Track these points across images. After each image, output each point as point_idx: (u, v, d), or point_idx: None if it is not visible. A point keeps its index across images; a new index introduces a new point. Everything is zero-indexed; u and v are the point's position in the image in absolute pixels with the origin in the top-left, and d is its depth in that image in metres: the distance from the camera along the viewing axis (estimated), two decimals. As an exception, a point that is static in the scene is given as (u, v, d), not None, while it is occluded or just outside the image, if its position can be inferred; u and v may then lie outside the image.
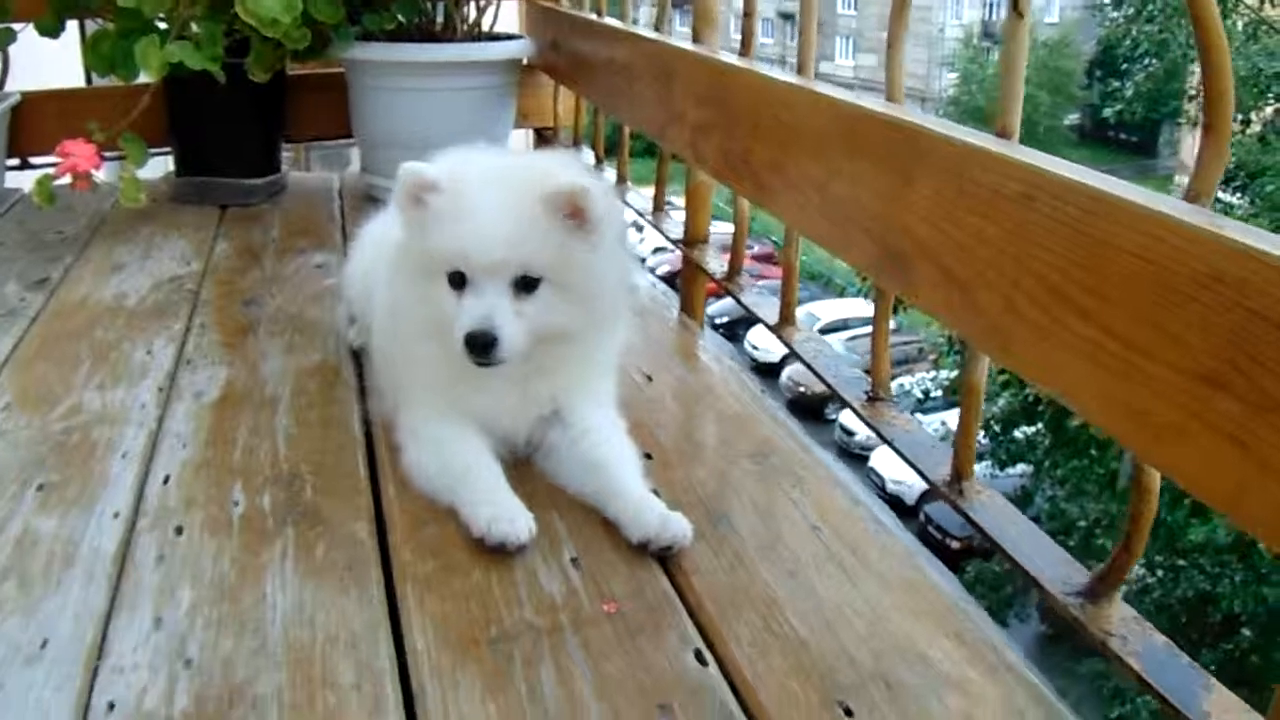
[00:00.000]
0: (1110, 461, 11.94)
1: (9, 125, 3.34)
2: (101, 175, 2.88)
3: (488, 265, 1.59)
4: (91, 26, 3.22)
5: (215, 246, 2.91)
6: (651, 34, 2.59)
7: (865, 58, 32.37)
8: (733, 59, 2.17)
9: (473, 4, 3.24)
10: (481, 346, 1.59)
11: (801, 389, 15.79)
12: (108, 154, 2.88)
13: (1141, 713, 10.90)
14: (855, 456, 15.72)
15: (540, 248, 1.60)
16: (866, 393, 1.90)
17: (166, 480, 1.73)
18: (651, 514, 1.58)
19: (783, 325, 2.16)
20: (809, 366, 2.01)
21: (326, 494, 1.69)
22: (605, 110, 3.06)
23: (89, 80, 3.90)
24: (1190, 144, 23.70)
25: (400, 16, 3.16)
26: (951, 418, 12.29)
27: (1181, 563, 11.78)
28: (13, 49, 3.32)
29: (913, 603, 1.50)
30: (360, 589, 1.47)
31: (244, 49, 2.96)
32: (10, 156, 3.42)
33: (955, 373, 14.33)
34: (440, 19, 3.23)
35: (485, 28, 3.30)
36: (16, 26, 3.14)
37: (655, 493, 1.69)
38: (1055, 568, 1.48)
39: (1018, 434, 13.82)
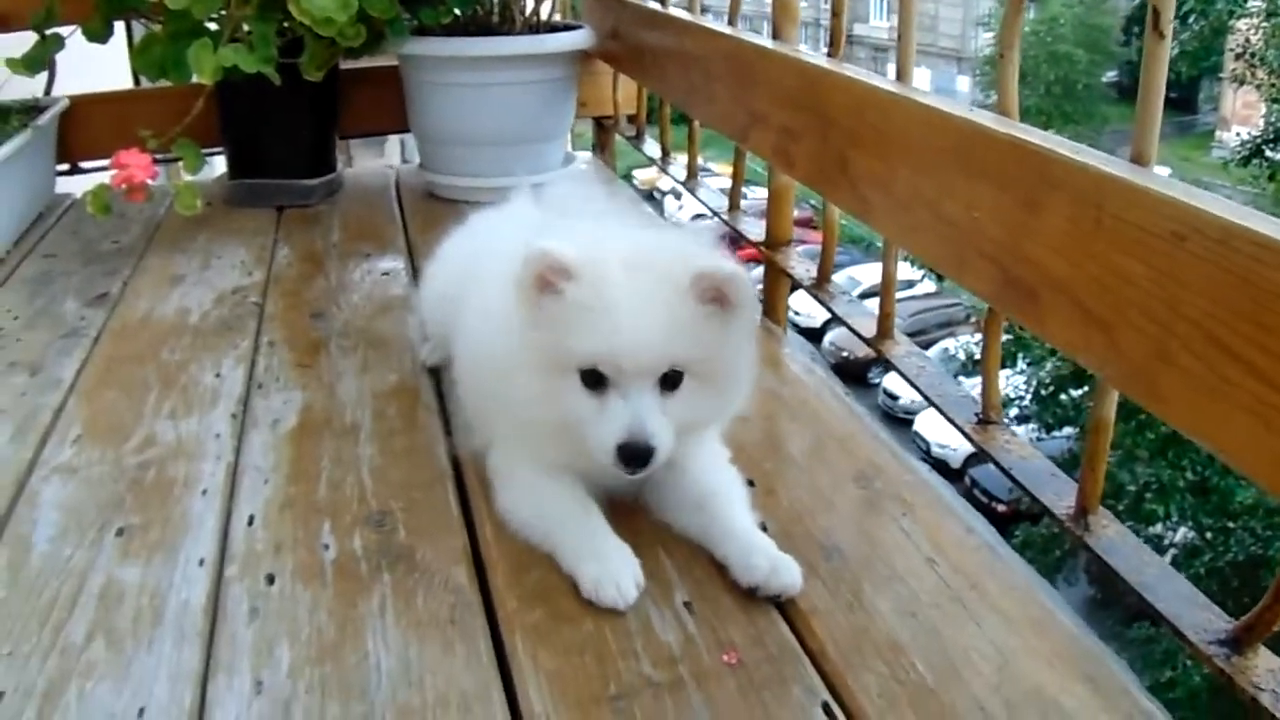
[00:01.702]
0: (1160, 426, 11.80)
1: (58, 130, 3.26)
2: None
3: (638, 368, 1.45)
4: (138, 29, 3.15)
5: (276, 253, 2.84)
6: (727, 29, 2.48)
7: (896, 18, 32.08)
8: (823, 61, 2.06)
9: (530, -6, 3.15)
10: (638, 458, 1.45)
11: (845, 354, 15.66)
12: (159, 156, 2.80)
13: (1194, 676, 10.79)
14: (899, 421, 15.66)
15: (690, 341, 1.46)
16: (977, 415, 1.81)
17: (251, 521, 1.65)
18: (761, 558, 1.49)
19: (881, 339, 2.06)
20: (913, 384, 1.92)
21: (420, 535, 1.61)
22: (676, 105, 2.94)
23: (136, 82, 3.82)
24: (1230, 99, 23.39)
25: (456, 10, 3.06)
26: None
27: (1232, 525, 11.67)
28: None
29: (1040, 644, 1.41)
30: (467, 643, 1.39)
31: (296, 48, 2.87)
32: (60, 162, 3.35)
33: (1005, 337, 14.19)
34: (497, 11, 3.13)
35: (543, 17, 3.21)
36: (64, 31, 3.04)
37: (763, 526, 1.62)
38: (1194, 613, 1.38)
39: (1064, 398, 13.71)
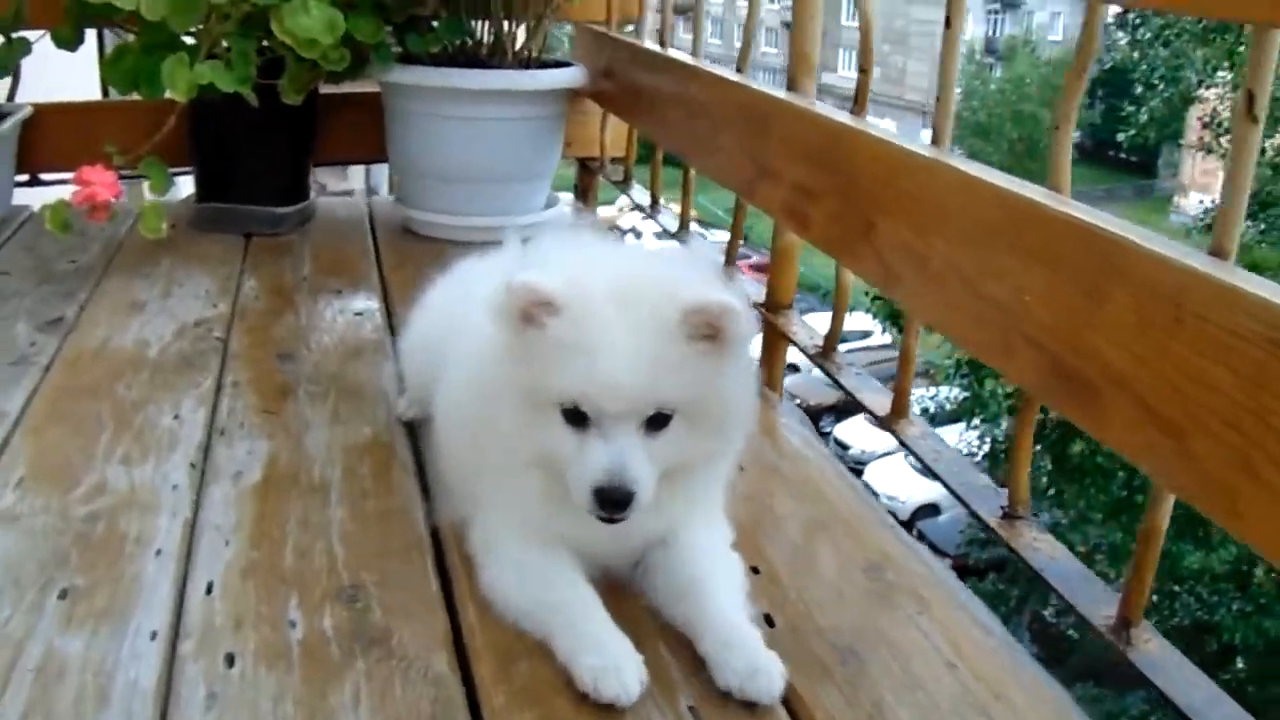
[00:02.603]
0: (1116, 490, 11.82)
1: (19, 139, 3.09)
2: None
3: (620, 409, 1.33)
4: (108, 39, 3.00)
5: (242, 284, 2.68)
6: (737, 77, 2.35)
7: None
8: (847, 118, 1.94)
9: (522, 28, 3.01)
10: (616, 503, 1.34)
11: (797, 400, 15.59)
12: (124, 173, 2.65)
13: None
14: (850, 470, 15.54)
15: (679, 380, 1.35)
16: (1003, 508, 1.68)
17: (210, 589, 1.50)
18: (739, 658, 1.35)
19: (895, 419, 1.93)
20: (929, 470, 1.79)
21: (397, 614, 1.46)
22: (673, 152, 2.80)
23: (105, 93, 3.66)
24: (1190, 166, 23.64)
25: (445, 38, 2.93)
26: (948, 433, 12.16)
27: (1178, 589, 11.69)
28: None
29: (1075, 765, 1.28)
30: (450, 749, 1.24)
31: (275, 69, 2.73)
32: (19, 172, 3.17)
33: (956, 391, 14.23)
34: (488, 42, 3.00)
35: (534, 53, 3.08)
36: (31, 36, 2.88)
37: (769, 620, 1.49)
38: None
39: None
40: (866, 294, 11.00)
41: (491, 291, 1.39)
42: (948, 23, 1.74)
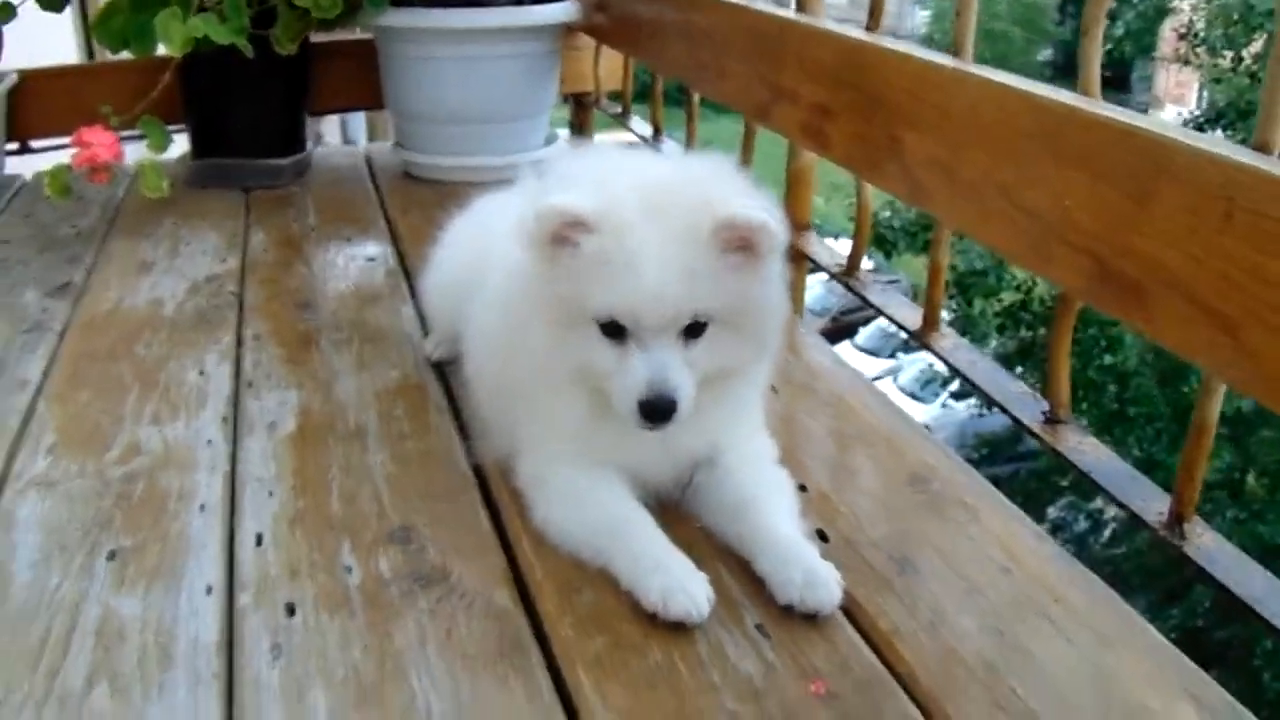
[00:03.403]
0: (1107, 403, 11.83)
1: (7, 107, 3.04)
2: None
3: (658, 321, 1.34)
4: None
5: (250, 238, 2.65)
6: (743, 1, 2.31)
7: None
8: (864, 35, 1.92)
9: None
10: (660, 413, 1.34)
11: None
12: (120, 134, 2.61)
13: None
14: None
15: (713, 290, 1.35)
16: (1044, 414, 1.67)
17: (260, 540, 1.49)
18: (796, 572, 1.35)
19: (927, 331, 1.92)
20: (966, 379, 1.78)
21: (451, 553, 1.45)
22: (681, 81, 2.76)
23: (91, 55, 3.60)
24: (1164, 79, 23.56)
25: (436, -22, 2.89)
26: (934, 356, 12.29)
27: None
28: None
29: (1136, 661, 1.30)
30: (524, 678, 1.24)
31: (267, 19, 2.69)
32: (9, 141, 3.12)
33: (944, 313, 14.17)
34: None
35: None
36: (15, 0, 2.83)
37: (822, 535, 1.49)
38: None
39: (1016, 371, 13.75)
40: (850, 219, 10.98)
41: (519, 217, 1.39)
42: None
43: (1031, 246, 1.52)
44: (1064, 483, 12.47)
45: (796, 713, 1.19)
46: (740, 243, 1.33)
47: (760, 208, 1.34)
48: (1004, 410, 1.70)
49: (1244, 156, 1.23)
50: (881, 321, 16.51)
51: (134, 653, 1.28)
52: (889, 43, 1.86)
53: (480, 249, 1.75)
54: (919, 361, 15.33)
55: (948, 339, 1.90)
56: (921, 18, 28.16)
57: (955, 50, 1.72)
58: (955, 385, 14.22)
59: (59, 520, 1.53)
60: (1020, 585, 1.42)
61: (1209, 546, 1.43)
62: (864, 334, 16.74)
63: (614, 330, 1.36)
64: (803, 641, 1.30)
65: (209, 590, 1.39)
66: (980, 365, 1.83)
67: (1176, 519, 1.44)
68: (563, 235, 1.34)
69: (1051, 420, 1.66)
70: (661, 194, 1.36)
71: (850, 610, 1.36)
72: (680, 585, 1.32)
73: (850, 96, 1.91)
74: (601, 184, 1.37)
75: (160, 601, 1.36)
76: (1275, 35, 1.26)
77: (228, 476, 1.64)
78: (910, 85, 1.76)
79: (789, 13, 2.17)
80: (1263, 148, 1.24)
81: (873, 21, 1.94)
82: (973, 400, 14.00)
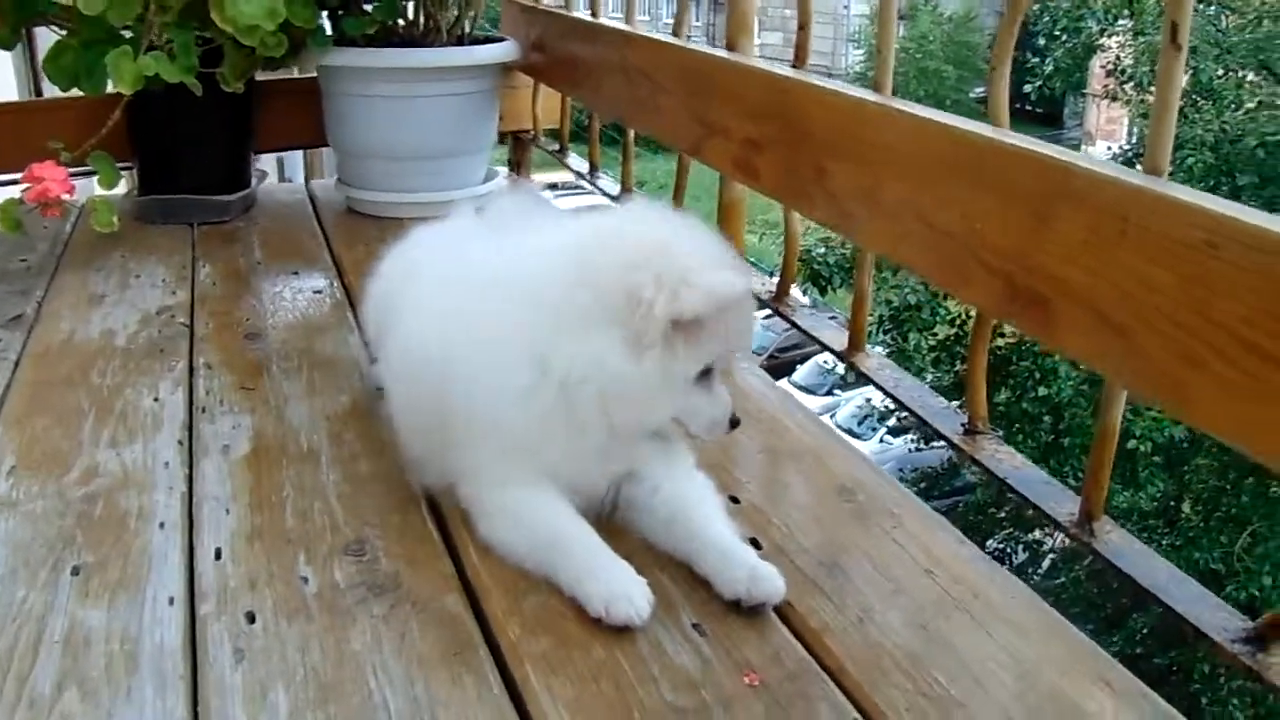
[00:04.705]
0: (1043, 436, 12.01)
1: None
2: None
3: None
4: (45, 37, 3.00)
5: (197, 271, 2.71)
6: (676, 40, 2.42)
7: (770, 35, 32.37)
8: (791, 72, 2.02)
9: (455, 5, 3.06)
10: (737, 424, 1.59)
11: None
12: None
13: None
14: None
15: None
16: (964, 425, 1.78)
17: (219, 555, 1.55)
18: (740, 569, 1.45)
19: (853, 351, 2.02)
20: (891, 396, 1.88)
21: (402, 562, 1.53)
22: (615, 119, 2.86)
23: (38, 92, 3.64)
24: (1095, 115, 24.02)
25: (379, 20, 2.97)
26: (871, 391, 12.24)
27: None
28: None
29: (1052, 650, 1.39)
30: (475, 675, 1.31)
31: (214, 58, 2.76)
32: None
33: (880, 348, 14.39)
34: (421, 22, 3.05)
35: (467, 30, 3.12)
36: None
37: (755, 543, 1.58)
38: (1212, 614, 1.39)
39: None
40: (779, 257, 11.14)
41: (446, 255, 1.74)
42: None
43: (948, 267, 1.63)
44: (1001, 514, 12.64)
45: (731, 701, 1.27)
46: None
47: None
48: (925, 422, 1.80)
49: (1137, 179, 1.34)
50: (819, 358, 16.73)
51: (101, 659, 1.33)
52: (814, 79, 1.96)
53: (404, 279, 1.86)
54: (856, 397, 15.50)
55: (872, 359, 2.00)
56: (855, 56, 28.65)
57: (877, 86, 1.83)
58: (892, 421, 14.39)
59: (22, 538, 1.59)
60: (943, 585, 1.51)
61: (1116, 542, 1.53)
62: (801, 371, 16.91)
63: (706, 373, 1.52)
64: (737, 638, 1.38)
65: (171, 601, 1.45)
66: (904, 383, 1.93)
67: (1086, 518, 1.55)
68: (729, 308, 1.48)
69: (970, 431, 1.77)
70: (730, 258, 1.54)
71: (782, 610, 1.44)
72: (622, 591, 1.41)
73: (778, 131, 2.01)
74: (708, 262, 1.48)
75: (124, 612, 1.42)
76: (1158, 75, 1.37)
77: (185, 496, 1.70)
78: (835, 119, 1.86)
79: (719, 51, 2.27)
80: (1154, 171, 1.35)
81: (798, 59, 2.04)
82: (910, 435, 14.17)
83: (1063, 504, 1.60)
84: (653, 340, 1.44)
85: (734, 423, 1.57)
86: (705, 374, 1.51)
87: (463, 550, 1.56)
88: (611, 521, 1.59)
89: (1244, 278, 1.18)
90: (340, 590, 1.47)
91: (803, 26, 2.07)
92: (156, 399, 2.02)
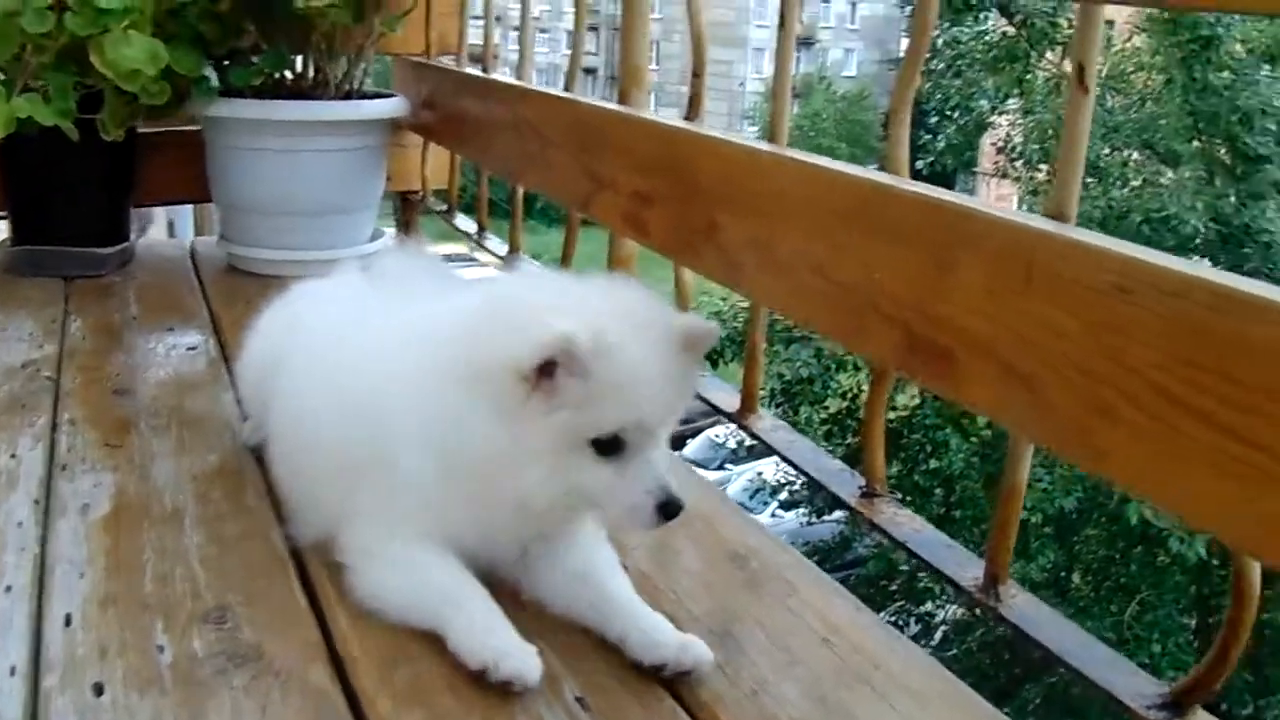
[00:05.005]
0: (932, 507, 12.12)
1: None
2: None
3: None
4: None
5: (68, 325, 2.58)
6: (568, 95, 2.37)
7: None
8: (682, 124, 1.98)
9: (344, 59, 2.99)
10: (676, 510, 1.39)
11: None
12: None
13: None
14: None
15: (688, 393, 1.47)
16: (861, 489, 1.73)
17: (69, 621, 1.44)
18: (667, 635, 1.39)
19: (745, 413, 1.96)
20: (786, 459, 1.83)
21: (266, 631, 1.43)
22: (503, 176, 2.81)
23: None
24: (986, 192, 24.57)
25: (266, 71, 2.89)
26: (766, 464, 12.26)
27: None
28: None
29: (954, 718, 1.35)
30: (340, 756, 1.22)
31: (93, 104, 2.66)
32: None
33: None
34: (309, 75, 2.97)
35: (356, 85, 3.06)
36: None
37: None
38: (1125, 679, 1.35)
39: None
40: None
41: (464, 363, 1.40)
42: (781, 23, 1.79)
43: (845, 320, 1.58)
44: (894, 587, 12.70)
45: (616, 781, 1.20)
46: (692, 346, 1.42)
47: (695, 316, 1.49)
48: (821, 486, 1.75)
49: (1042, 223, 1.31)
50: (710, 432, 16.75)
51: (-72, 735, 1.23)
52: (705, 130, 1.92)
53: (288, 332, 1.79)
54: (748, 471, 15.54)
55: (765, 420, 1.95)
56: (751, 132, 29.12)
57: (771, 136, 1.79)
58: (784, 495, 14.43)
59: None
60: (841, 654, 1.45)
61: (1023, 606, 1.49)
62: (692, 445, 16.94)
63: (611, 447, 1.38)
64: (623, 713, 1.31)
65: (13, 671, 1.34)
66: (798, 445, 1.88)
67: (992, 581, 1.50)
68: (578, 367, 1.34)
69: (868, 494, 1.72)
70: (625, 311, 1.41)
71: (669, 682, 1.37)
72: (515, 648, 1.34)
73: (668, 184, 1.97)
74: (572, 310, 1.38)
75: (-40, 683, 1.31)
76: (1065, 118, 1.35)
77: (37, 558, 1.59)
78: (726, 170, 1.82)
79: (611, 104, 2.23)
80: (1059, 216, 1.32)
81: (692, 111, 2.00)
82: (802, 509, 14.21)
83: (966, 568, 1.55)
84: (513, 400, 1.36)
85: (668, 511, 1.39)
86: (614, 449, 1.38)
87: (331, 617, 1.47)
88: (502, 583, 1.50)
89: (1157, 322, 1.14)
90: (198, 660, 1.37)
91: (696, 74, 2.03)
92: (14, 455, 1.90)
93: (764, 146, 1.78)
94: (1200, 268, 1.13)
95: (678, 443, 16.59)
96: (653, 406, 1.38)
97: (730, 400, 2.02)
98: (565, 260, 2.59)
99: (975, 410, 1.43)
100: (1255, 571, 1.21)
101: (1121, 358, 1.17)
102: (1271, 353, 1.04)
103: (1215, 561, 10.91)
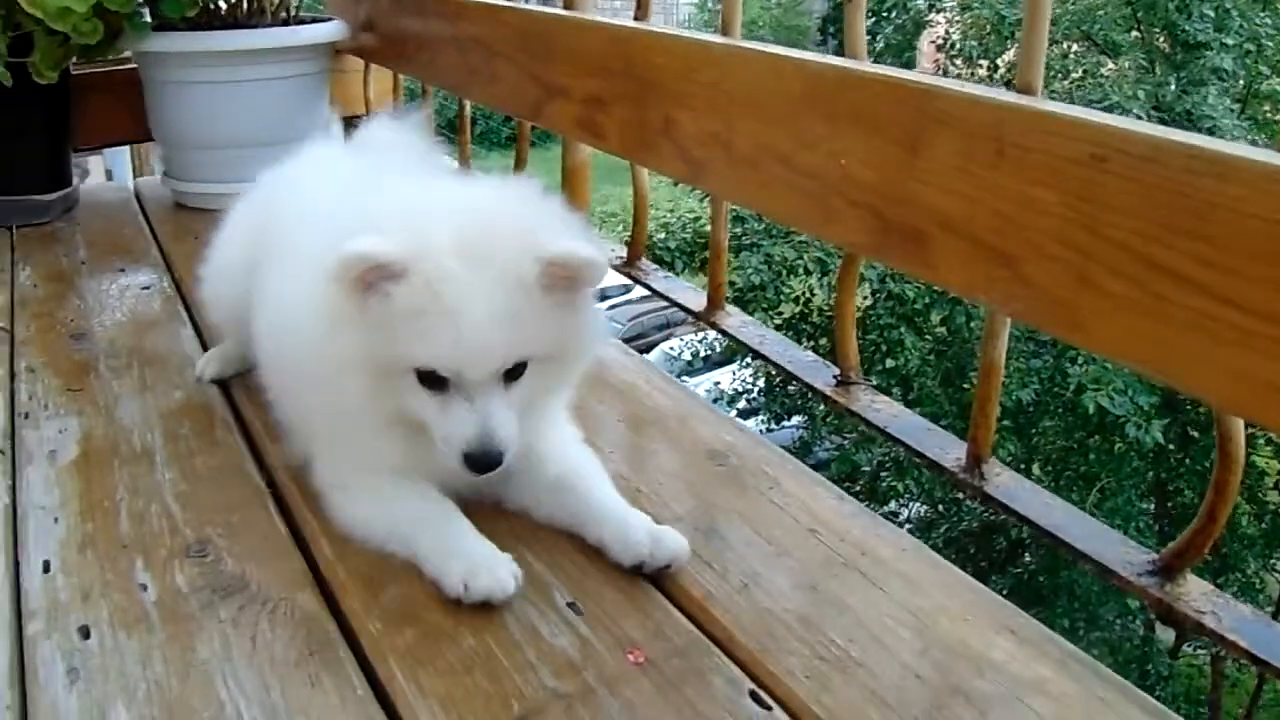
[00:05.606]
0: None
1: None
2: None
3: (482, 373, 1.28)
4: None
5: (17, 274, 2.53)
6: (508, 3, 2.32)
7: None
8: (631, 23, 1.94)
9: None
10: (487, 465, 1.30)
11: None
12: None
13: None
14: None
15: (538, 332, 1.30)
16: (836, 377, 1.71)
17: (47, 568, 1.41)
18: (640, 532, 1.37)
19: (712, 310, 1.94)
20: (759, 355, 1.81)
21: (249, 561, 1.41)
22: (452, 92, 2.75)
23: None
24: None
25: (199, 1, 2.81)
26: (722, 374, 12.27)
27: (961, 496, 12.14)
28: None
29: (950, 602, 1.34)
30: (335, 676, 1.21)
31: (24, 46, 2.58)
32: None
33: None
34: (244, 3, 2.90)
35: (292, 11, 2.98)
36: None
37: (628, 510, 1.49)
38: (1114, 549, 1.36)
39: (792, 388, 13.96)
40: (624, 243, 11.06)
41: (322, 256, 1.29)
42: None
43: (812, 209, 1.56)
44: (857, 488, 12.78)
45: (616, 681, 1.19)
46: (565, 280, 1.29)
47: (584, 241, 1.31)
48: (796, 377, 1.74)
49: (1010, 97, 1.29)
50: (665, 345, 16.72)
51: (-85, 688, 1.20)
52: (657, 27, 1.88)
53: (264, 227, 1.70)
54: (705, 382, 15.53)
55: (734, 317, 1.94)
56: (687, 11, 28.63)
57: (724, 29, 1.75)
58: (742, 404, 14.43)
59: None
60: (828, 543, 1.45)
61: (1008, 484, 1.49)
62: (649, 358, 16.86)
63: (434, 380, 1.30)
64: (616, 614, 1.30)
65: (-6, 621, 1.32)
66: (769, 339, 1.86)
67: (974, 461, 1.50)
68: (370, 281, 1.25)
69: (843, 383, 1.70)
70: (479, 233, 1.29)
71: (660, 581, 1.36)
72: (483, 565, 1.31)
73: (622, 85, 1.93)
74: (413, 222, 1.29)
75: (-58, 637, 1.29)
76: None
77: (8, 508, 1.56)
78: (681, 66, 1.78)
79: (556, 10, 2.18)
80: (1026, 89, 1.30)
81: (640, 11, 1.96)
82: (761, 416, 14.22)
83: (949, 450, 1.55)
84: (340, 310, 1.28)
85: (476, 463, 1.30)
86: (437, 383, 1.30)
87: (314, 544, 1.45)
88: (481, 498, 1.48)
89: (1134, 189, 1.13)
90: (183, 595, 1.35)
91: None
92: (-27, 408, 1.86)
93: (717, 39, 1.74)
94: (1174, 131, 1.12)
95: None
96: (470, 350, 1.26)
97: (697, 300, 2.00)
98: (518, 166, 2.55)
99: (951, 290, 1.41)
100: (1240, 432, 1.21)
101: (1099, 227, 1.16)
102: (1249, 213, 1.04)
103: (1172, 446, 11.08)
